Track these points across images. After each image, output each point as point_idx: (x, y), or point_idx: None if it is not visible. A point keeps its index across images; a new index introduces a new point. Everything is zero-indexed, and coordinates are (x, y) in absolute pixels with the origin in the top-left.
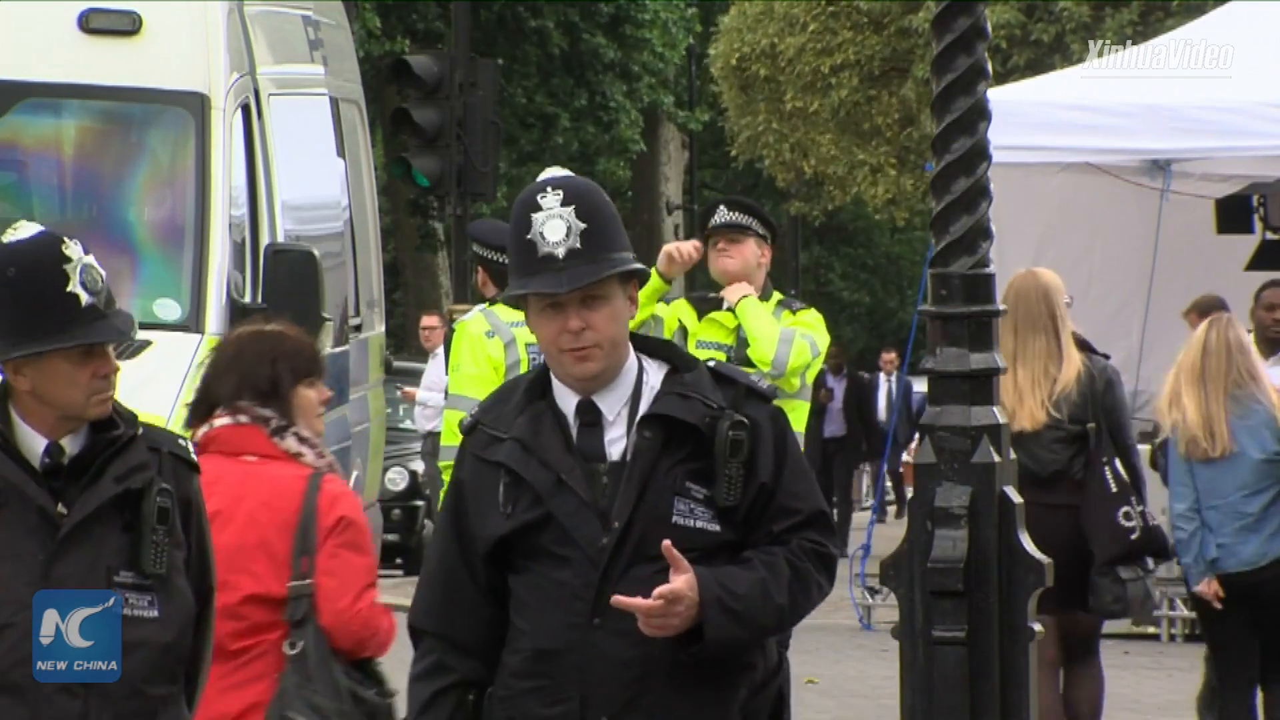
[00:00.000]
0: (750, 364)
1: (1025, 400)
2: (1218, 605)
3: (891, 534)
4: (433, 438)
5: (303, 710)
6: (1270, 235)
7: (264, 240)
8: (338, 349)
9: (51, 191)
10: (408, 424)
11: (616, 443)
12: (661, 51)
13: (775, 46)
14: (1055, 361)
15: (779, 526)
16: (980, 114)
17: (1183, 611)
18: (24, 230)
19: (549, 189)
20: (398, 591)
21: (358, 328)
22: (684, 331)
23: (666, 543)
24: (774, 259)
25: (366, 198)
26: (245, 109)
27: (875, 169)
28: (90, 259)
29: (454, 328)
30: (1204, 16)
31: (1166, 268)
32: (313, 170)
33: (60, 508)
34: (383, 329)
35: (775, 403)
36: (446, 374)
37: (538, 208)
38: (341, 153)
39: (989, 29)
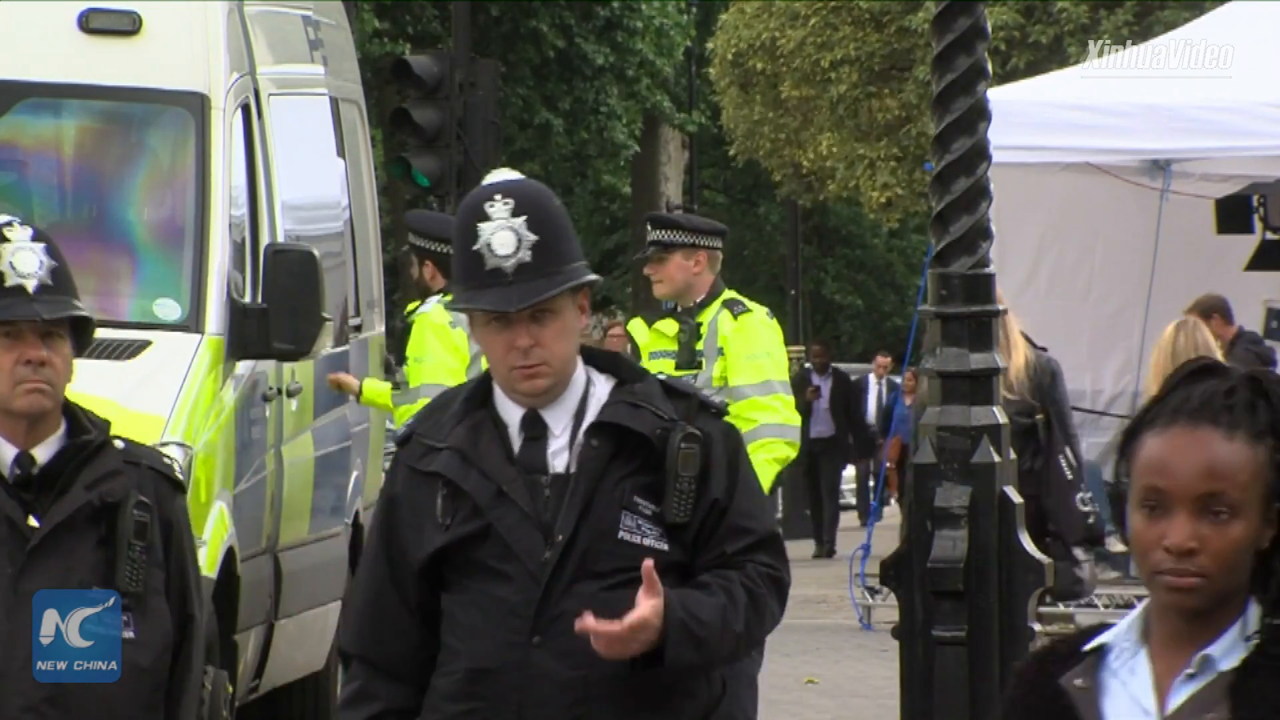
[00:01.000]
0: (695, 366)
1: None
2: None
3: (891, 534)
4: None
5: None
6: (1270, 235)
7: (264, 240)
8: (338, 349)
9: (51, 191)
10: None
11: (560, 454)
12: (653, 60)
13: (775, 41)
14: (1004, 352)
15: (731, 547)
16: (980, 114)
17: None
18: None
19: (498, 196)
20: None
21: (358, 328)
22: (636, 348)
23: (648, 563)
24: (772, 256)
25: (366, 198)
26: (245, 109)
27: (873, 164)
28: (34, 245)
29: (411, 320)
30: (1204, 16)
31: (1167, 268)
32: (313, 170)
33: (31, 520)
34: (383, 329)
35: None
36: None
37: (485, 217)
38: (341, 153)
39: (989, 29)
